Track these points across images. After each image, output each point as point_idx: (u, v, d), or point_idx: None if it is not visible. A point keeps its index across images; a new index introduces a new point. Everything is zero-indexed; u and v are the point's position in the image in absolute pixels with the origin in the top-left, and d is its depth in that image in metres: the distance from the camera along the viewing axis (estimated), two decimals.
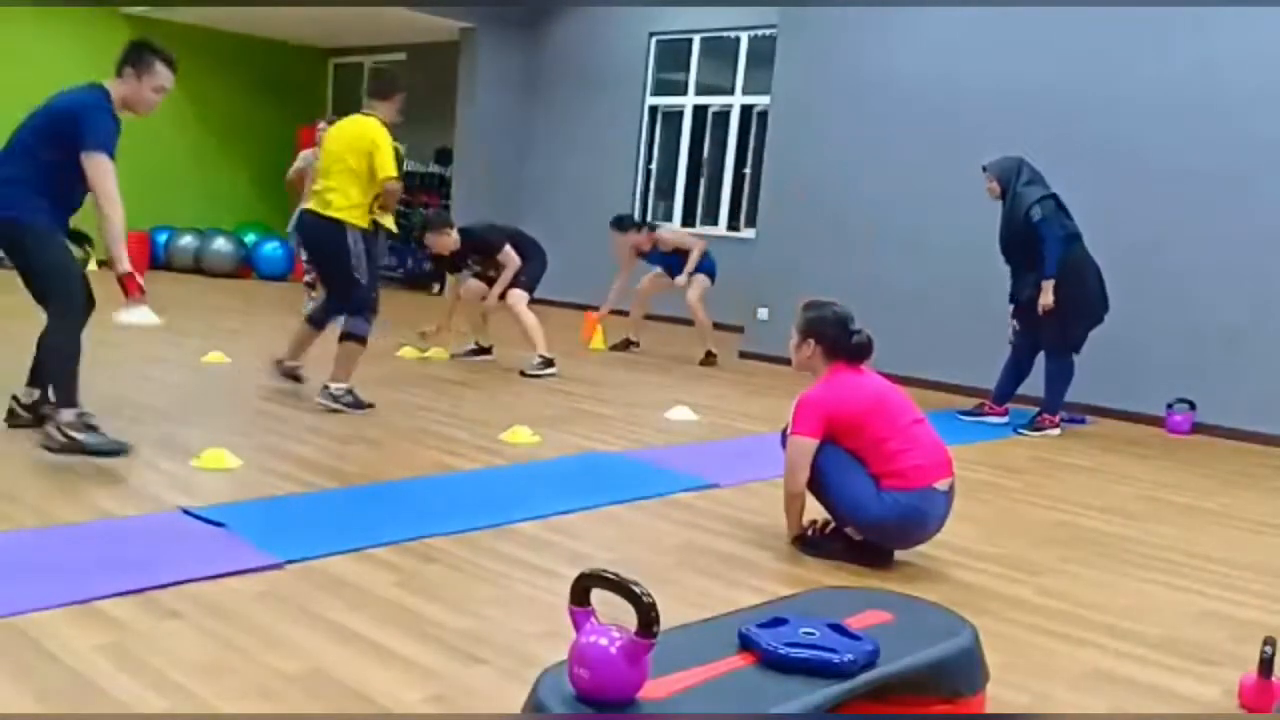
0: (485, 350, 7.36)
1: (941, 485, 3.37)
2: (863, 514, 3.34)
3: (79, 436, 3.84)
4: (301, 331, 5.57)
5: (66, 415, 3.86)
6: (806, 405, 3.40)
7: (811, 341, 3.48)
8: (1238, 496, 4.92)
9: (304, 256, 7.82)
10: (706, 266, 7.98)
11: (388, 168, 5.14)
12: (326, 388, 5.21)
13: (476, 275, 7.11)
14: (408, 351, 7.15)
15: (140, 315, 4.07)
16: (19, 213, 3.94)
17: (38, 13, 11.34)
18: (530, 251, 7.03)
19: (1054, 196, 5.99)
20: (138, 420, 4.65)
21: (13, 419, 4.30)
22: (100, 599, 2.63)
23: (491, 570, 3.11)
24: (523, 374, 6.70)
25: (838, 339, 3.45)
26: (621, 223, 8.09)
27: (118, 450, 3.83)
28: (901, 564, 3.47)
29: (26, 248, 3.98)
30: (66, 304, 4.04)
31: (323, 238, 5.28)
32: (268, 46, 13.37)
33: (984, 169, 6.19)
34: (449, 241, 6.91)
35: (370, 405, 5.27)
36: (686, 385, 6.86)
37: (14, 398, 4.32)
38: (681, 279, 7.91)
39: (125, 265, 3.97)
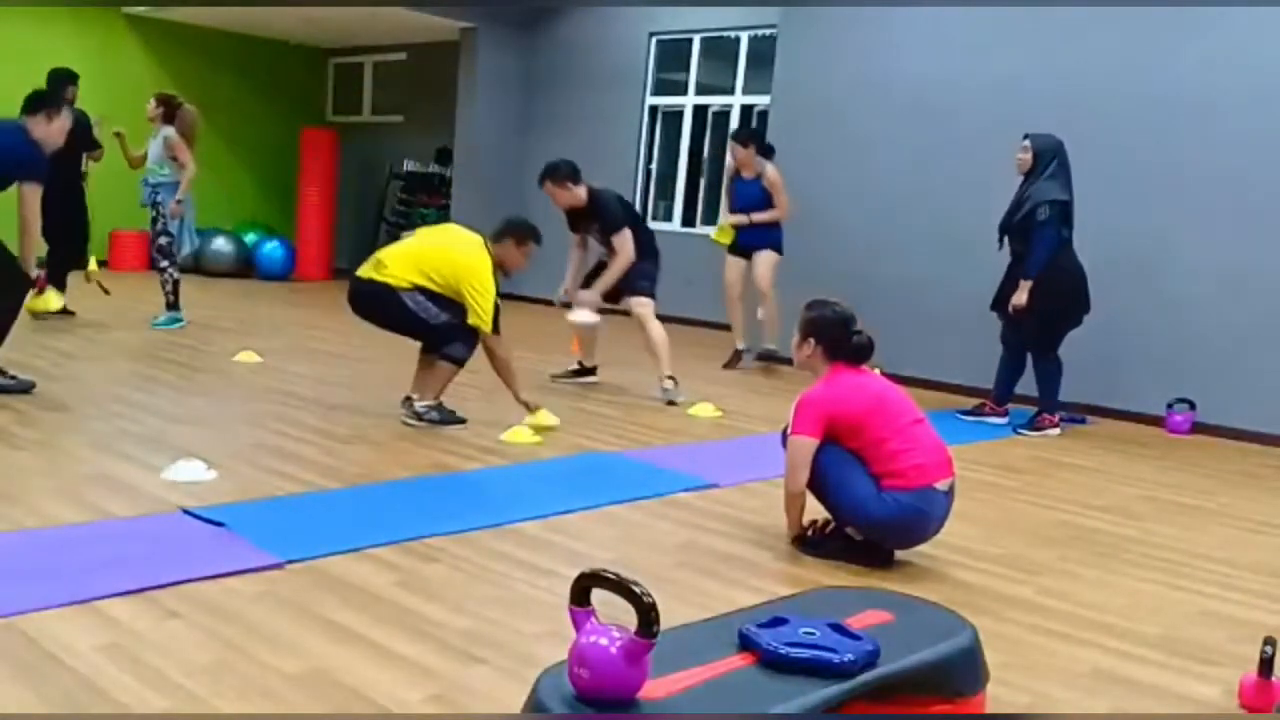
0: (589, 371, 6.58)
1: (942, 485, 3.37)
2: (864, 514, 3.34)
3: None
4: (440, 369, 5.07)
5: None
6: (806, 405, 3.40)
7: (812, 341, 3.49)
8: (1238, 496, 4.92)
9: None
10: (774, 237, 7.50)
11: (482, 319, 4.82)
12: (411, 402, 5.03)
13: (600, 241, 6.33)
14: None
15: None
16: None
17: (38, 13, 11.33)
18: (648, 249, 6.35)
19: (1067, 204, 5.95)
20: (135, 419, 4.65)
21: None
22: (100, 599, 2.64)
23: (491, 570, 3.11)
24: (671, 401, 6.10)
25: (838, 339, 3.46)
26: (738, 135, 7.53)
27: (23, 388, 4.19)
28: (901, 564, 3.47)
29: None
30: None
31: (375, 304, 5.01)
32: (268, 46, 13.36)
33: (1025, 137, 6.09)
34: (569, 197, 6.21)
35: (462, 420, 5.04)
36: (687, 385, 6.85)
37: None
38: (732, 220, 7.32)
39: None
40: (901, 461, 3.32)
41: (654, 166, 11.30)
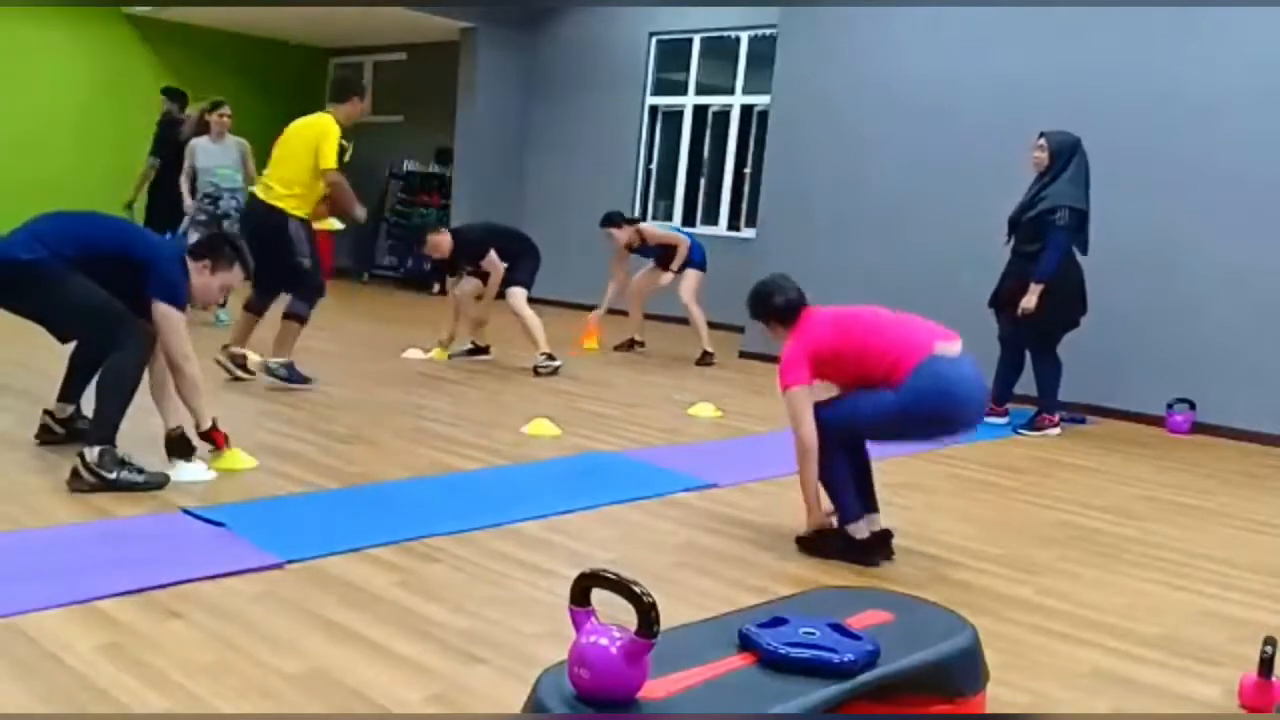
0: (483, 350, 7.34)
1: (945, 350, 3.32)
2: (892, 413, 3.30)
3: (109, 475, 3.57)
4: (242, 319, 5.84)
5: (92, 454, 3.56)
6: (788, 359, 3.45)
7: (761, 325, 3.63)
8: (1238, 496, 4.92)
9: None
10: (697, 259, 7.95)
11: (328, 159, 5.49)
12: (267, 364, 5.62)
13: (471, 273, 7.12)
14: (413, 353, 7.14)
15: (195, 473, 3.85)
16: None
17: (39, 13, 11.34)
18: (520, 249, 7.04)
19: (1085, 214, 5.93)
20: (135, 419, 4.64)
21: (46, 435, 4.11)
22: (100, 599, 2.64)
23: (491, 570, 3.11)
24: (536, 371, 6.73)
25: (773, 310, 3.55)
26: (610, 219, 8.05)
27: (154, 484, 3.64)
28: (901, 564, 3.47)
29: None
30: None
31: (264, 225, 5.57)
32: (268, 46, 13.36)
33: (1041, 135, 6.06)
34: (442, 243, 6.93)
35: (309, 380, 5.66)
36: (686, 385, 6.85)
37: (47, 413, 4.14)
38: (667, 277, 7.94)
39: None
40: (893, 353, 3.30)
41: (654, 166, 11.30)
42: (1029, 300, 5.93)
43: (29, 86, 11.36)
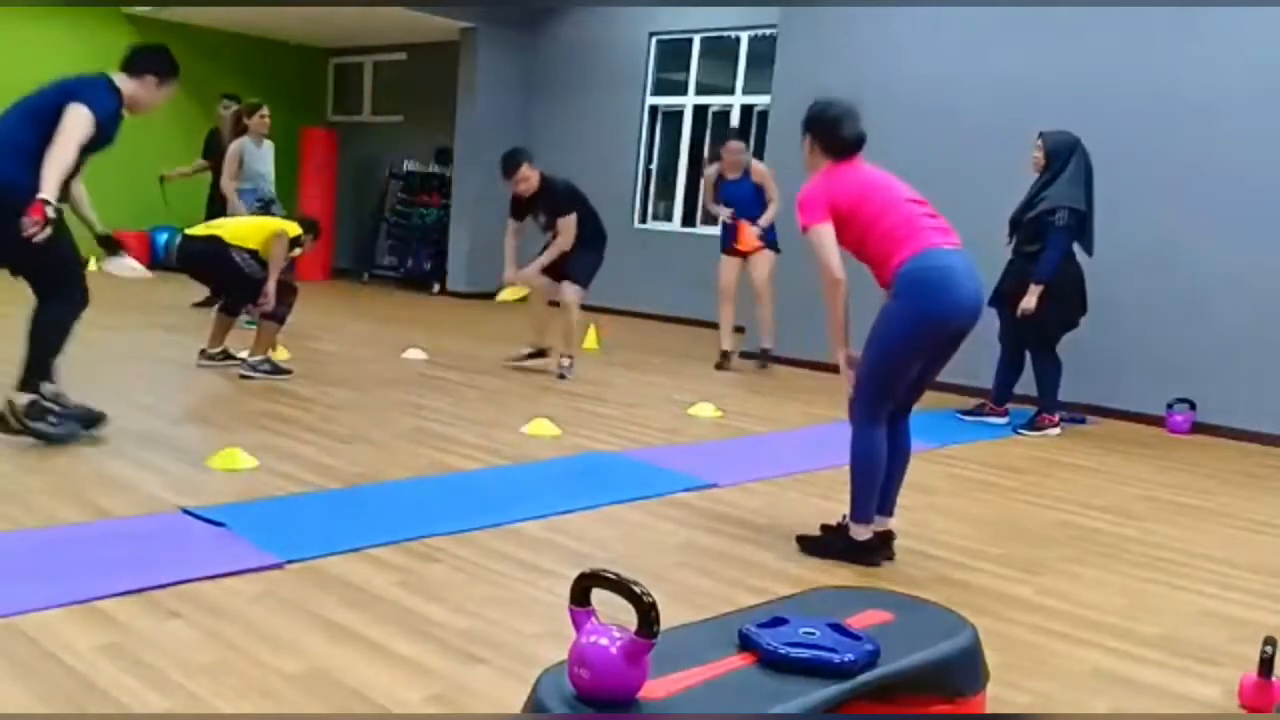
0: (541, 353, 7.00)
1: (945, 244, 3.33)
2: (891, 323, 3.34)
3: (35, 425, 3.95)
4: (217, 321, 6.13)
5: (21, 401, 3.97)
6: (807, 198, 3.44)
7: (809, 138, 3.57)
8: (1238, 496, 4.92)
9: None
10: (770, 236, 7.53)
11: (275, 238, 5.88)
12: (244, 361, 5.87)
13: (545, 225, 6.70)
14: (413, 353, 7.08)
15: (126, 268, 4.46)
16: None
17: (39, 12, 11.34)
18: (591, 232, 6.71)
19: (1085, 215, 5.92)
20: (135, 419, 4.65)
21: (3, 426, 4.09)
22: (100, 599, 2.64)
23: (491, 570, 3.11)
24: (561, 375, 6.65)
25: (829, 134, 3.51)
26: (728, 134, 7.78)
27: (64, 437, 3.96)
28: (902, 564, 3.47)
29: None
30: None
31: (207, 258, 5.90)
32: (268, 46, 13.36)
33: (1040, 135, 6.06)
34: (532, 178, 6.53)
35: (289, 370, 5.95)
36: (686, 385, 6.85)
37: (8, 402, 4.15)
38: (755, 231, 7.41)
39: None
40: (899, 233, 3.32)
41: (654, 166, 11.30)
42: (1028, 301, 5.93)
43: (29, 87, 11.35)
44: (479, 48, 11.47)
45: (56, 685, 2.20)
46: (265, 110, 8.18)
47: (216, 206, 8.75)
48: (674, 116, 11.13)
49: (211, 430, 4.57)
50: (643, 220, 11.20)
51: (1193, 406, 6.52)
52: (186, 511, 3.40)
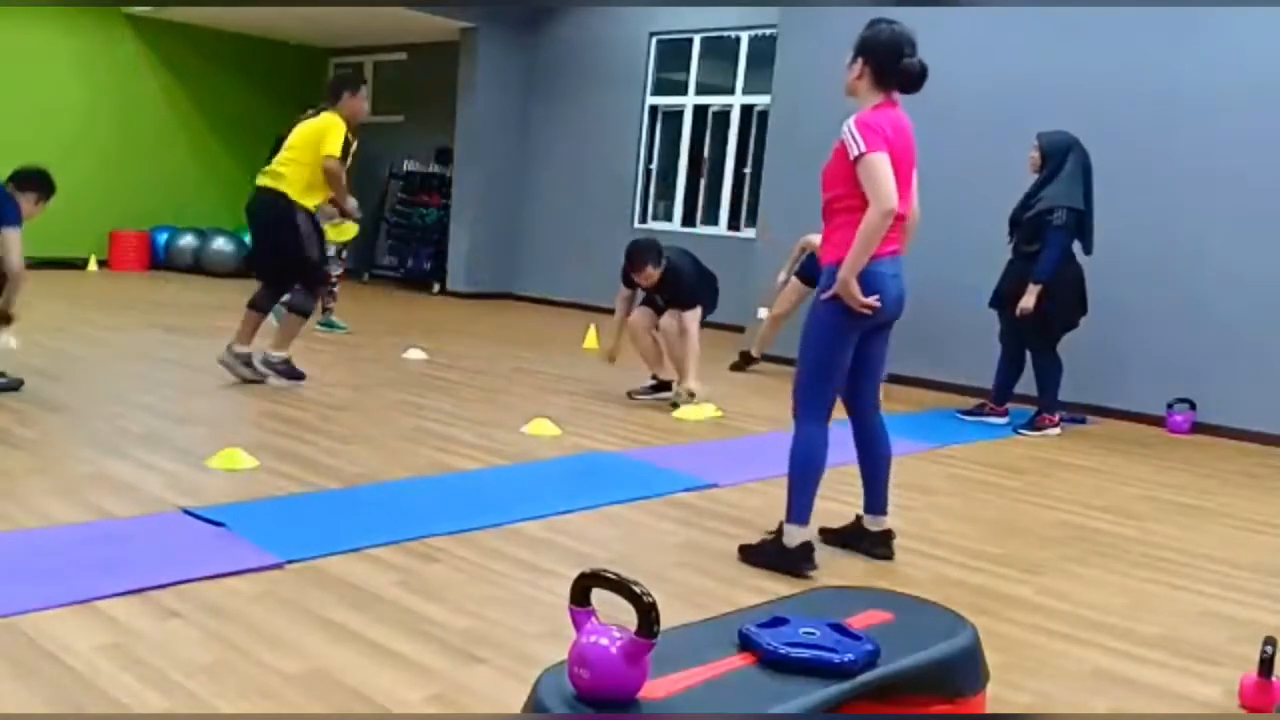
0: (665, 386, 6.27)
1: (887, 254, 3.28)
2: (818, 315, 3.30)
3: None
4: (246, 317, 5.70)
5: None
6: (869, 127, 3.23)
7: (861, 61, 3.35)
8: (1238, 496, 4.92)
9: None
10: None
11: (330, 145, 5.51)
12: (266, 356, 5.64)
13: (660, 309, 6.07)
14: (413, 353, 7.11)
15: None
16: None
17: (39, 12, 11.33)
18: (706, 288, 6.15)
19: (1083, 214, 5.91)
20: (135, 419, 4.65)
21: None
22: (100, 599, 2.64)
23: (492, 570, 3.11)
24: (674, 405, 6.01)
25: (887, 61, 3.31)
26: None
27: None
28: (902, 564, 3.47)
29: None
30: None
31: (271, 214, 5.59)
32: (268, 46, 13.36)
33: (1037, 136, 6.06)
34: (653, 278, 5.85)
35: (302, 376, 5.72)
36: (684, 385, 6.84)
37: None
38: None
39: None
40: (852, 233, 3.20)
41: (654, 166, 11.30)
42: (1027, 300, 5.93)
43: (28, 86, 11.35)
44: (479, 48, 11.47)
45: (56, 685, 2.20)
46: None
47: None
48: (674, 116, 11.13)
49: (211, 430, 4.56)
50: (643, 220, 11.19)
51: (1193, 406, 6.52)
52: (186, 511, 3.40)
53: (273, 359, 5.67)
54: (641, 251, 5.79)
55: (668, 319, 5.98)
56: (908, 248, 3.47)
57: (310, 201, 5.63)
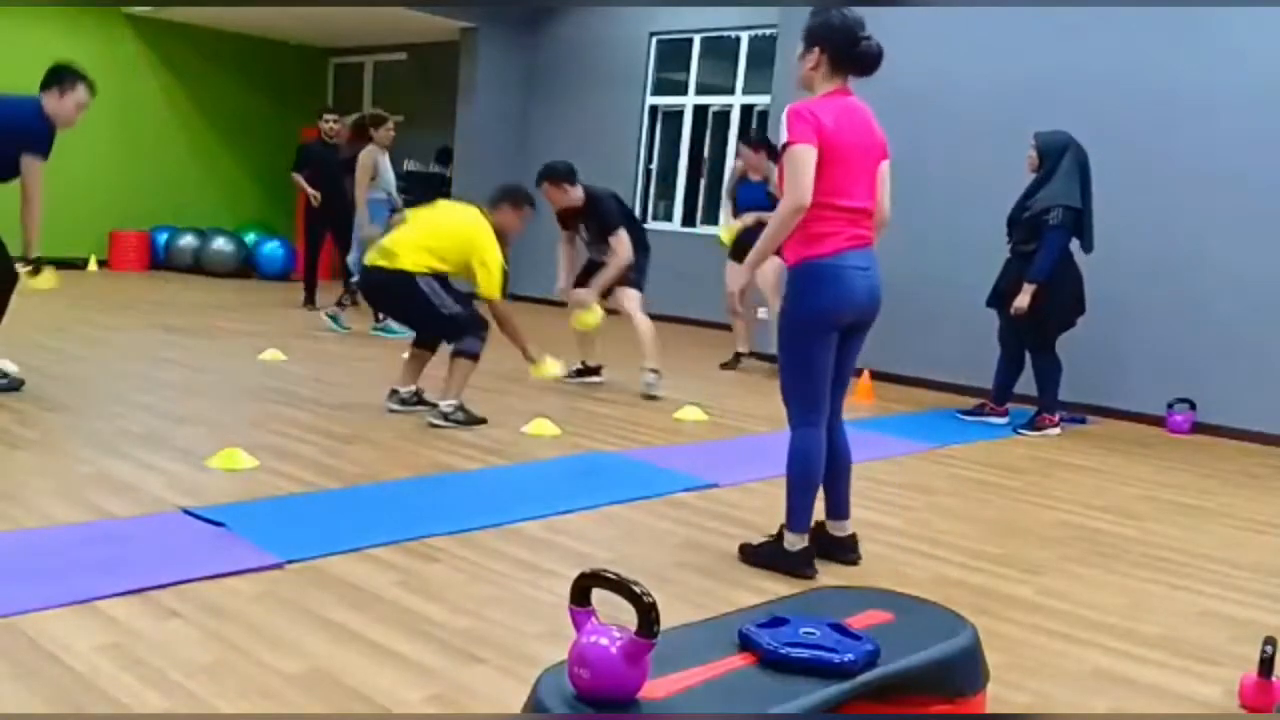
0: (594, 370, 6.54)
1: (854, 259, 3.15)
2: (790, 315, 3.23)
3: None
4: (411, 356, 5.35)
5: None
6: (799, 115, 3.15)
7: (816, 50, 3.27)
8: (1238, 496, 4.92)
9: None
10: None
11: (491, 288, 5.02)
12: (436, 406, 5.08)
13: (589, 243, 6.30)
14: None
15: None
16: None
17: (39, 12, 11.34)
18: (639, 244, 6.28)
19: (1080, 213, 5.91)
20: (135, 419, 4.65)
21: None
22: (100, 599, 2.64)
23: (491, 570, 3.11)
24: (649, 397, 6.15)
25: (843, 45, 3.22)
26: (749, 139, 7.52)
27: None
28: (902, 564, 3.47)
29: None
30: None
31: (390, 292, 5.13)
32: (268, 46, 13.36)
33: (1035, 136, 6.06)
34: (566, 198, 6.12)
35: (483, 420, 5.14)
36: (686, 385, 6.85)
37: None
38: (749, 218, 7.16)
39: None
40: (819, 228, 3.13)
41: (654, 166, 11.30)
42: (1022, 299, 5.93)
43: (28, 86, 11.35)
44: (479, 48, 11.48)
45: (56, 685, 2.20)
46: (391, 122, 8.51)
47: (327, 218, 9.02)
48: (674, 116, 11.13)
49: (211, 430, 4.56)
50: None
51: (1193, 406, 6.52)
52: (186, 511, 3.40)
53: (444, 409, 5.06)
54: (557, 169, 6.21)
55: (629, 298, 6.27)
56: (878, 243, 3.36)
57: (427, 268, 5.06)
